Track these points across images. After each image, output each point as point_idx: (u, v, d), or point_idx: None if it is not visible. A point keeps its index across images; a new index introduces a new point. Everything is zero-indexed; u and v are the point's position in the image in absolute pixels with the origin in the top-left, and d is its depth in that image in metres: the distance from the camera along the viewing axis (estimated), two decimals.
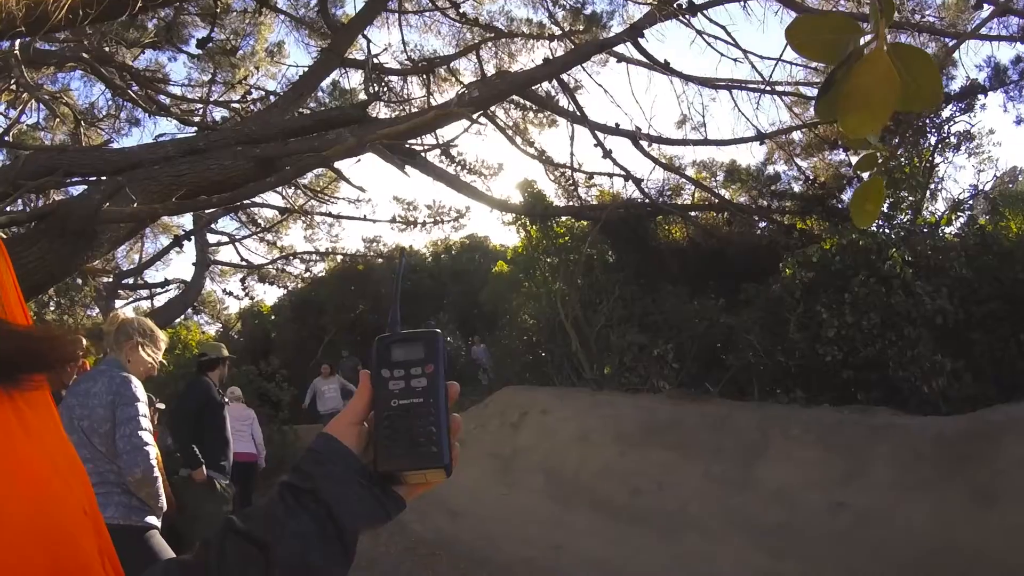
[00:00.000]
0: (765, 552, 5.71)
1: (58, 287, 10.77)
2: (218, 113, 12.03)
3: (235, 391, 8.62)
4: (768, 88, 12.48)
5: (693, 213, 13.24)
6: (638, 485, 7.58)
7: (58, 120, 10.72)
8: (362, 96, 10.93)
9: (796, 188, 13.50)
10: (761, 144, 13.01)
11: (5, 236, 4.48)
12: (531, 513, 7.73)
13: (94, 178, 5.69)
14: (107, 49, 9.79)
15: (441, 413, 0.74)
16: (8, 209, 4.94)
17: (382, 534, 7.34)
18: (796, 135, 13.42)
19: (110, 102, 11.47)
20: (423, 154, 10.60)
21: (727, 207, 12.94)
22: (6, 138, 9.62)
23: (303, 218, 17.72)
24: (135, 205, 4.21)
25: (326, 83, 11.92)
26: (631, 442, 8.41)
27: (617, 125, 11.72)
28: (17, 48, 6.67)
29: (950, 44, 11.60)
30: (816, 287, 9.03)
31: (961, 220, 10.96)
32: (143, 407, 3.07)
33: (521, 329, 12.95)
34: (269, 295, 21.56)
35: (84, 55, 8.66)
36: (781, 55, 11.59)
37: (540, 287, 12.29)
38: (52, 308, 11.21)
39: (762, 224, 13.17)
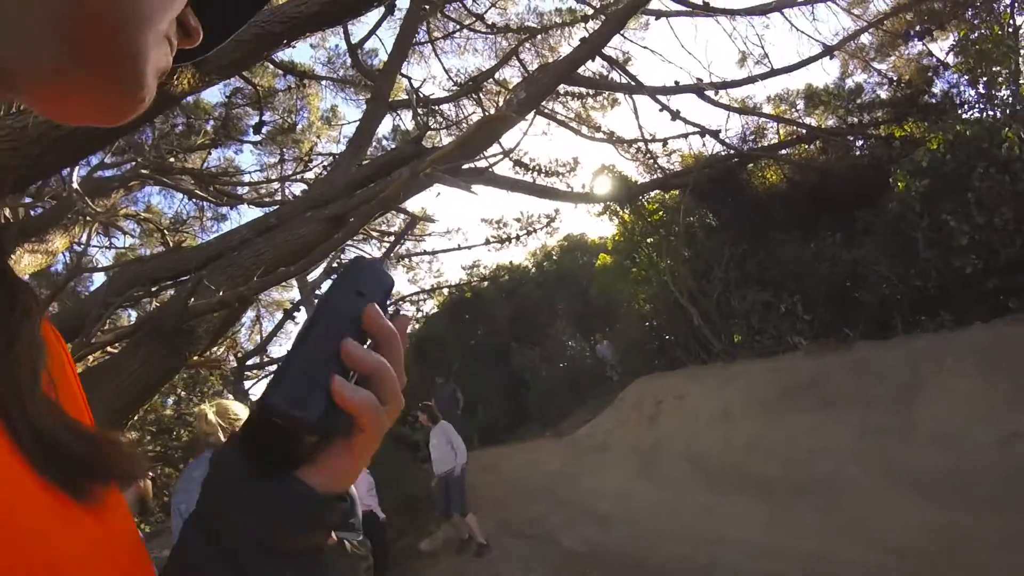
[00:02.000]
0: (935, 504, 5.40)
1: (185, 382, 11.72)
2: (296, 188, 12.64)
3: None
4: None
5: (783, 151, 12.70)
6: (789, 455, 7.39)
7: (148, 234, 11.70)
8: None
9: (882, 94, 12.75)
10: (831, 58, 12.49)
11: (114, 351, 4.90)
12: (682, 506, 7.56)
13: (181, 279, 6.13)
14: (171, 160, 10.56)
15: (301, 341, 0.50)
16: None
17: (531, 553, 7.51)
18: (864, 38, 12.67)
19: (189, 205, 12.37)
20: (490, 169, 10.74)
21: (817, 135, 12.42)
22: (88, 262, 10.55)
23: (403, 262, 18.31)
24: (220, 293, 4.52)
25: (385, 130, 12.31)
26: (775, 410, 8.26)
27: (677, 83, 11.44)
28: (76, 182, 7.28)
29: None
30: (934, 195, 8.59)
31: None
32: None
33: (638, 317, 12.83)
34: None
35: (143, 171, 9.37)
36: None
37: (647, 269, 12.14)
38: (183, 402, 12.18)
39: (858, 143, 12.41)
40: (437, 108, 12.47)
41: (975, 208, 8.01)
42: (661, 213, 12.40)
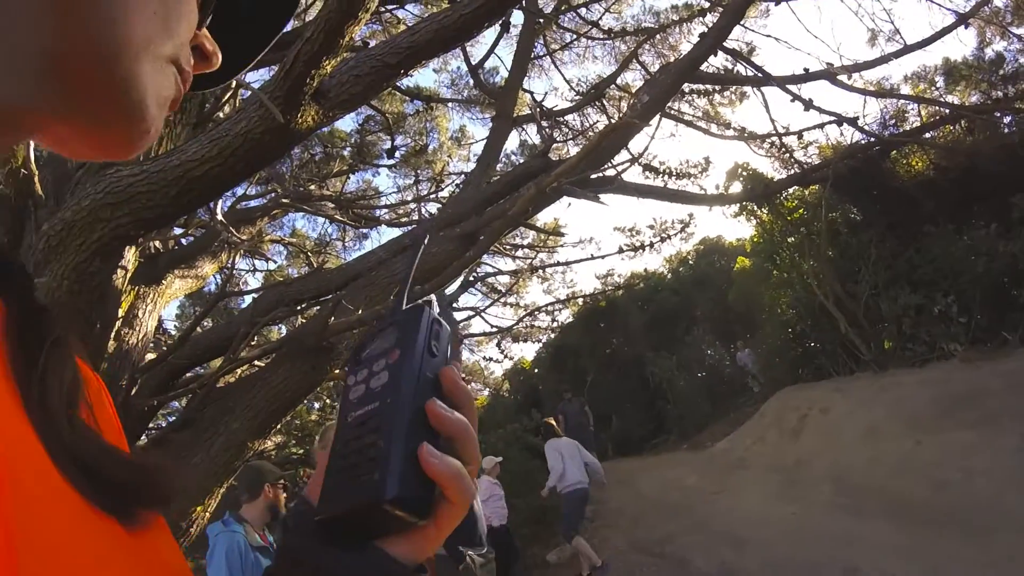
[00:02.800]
0: None
1: (330, 391, 12.43)
2: (432, 207, 13.25)
3: (489, 461, 8.25)
4: None
5: (927, 135, 11.64)
6: (941, 477, 6.94)
7: (293, 256, 12.53)
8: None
9: None
10: (967, 28, 11.38)
11: (262, 365, 5.28)
12: (822, 530, 7.17)
13: (323, 298, 6.49)
14: (311, 187, 11.26)
15: (397, 415, 0.48)
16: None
17: (659, 574, 7.34)
18: (999, 0, 11.32)
19: (331, 228, 13.15)
20: (619, 176, 10.64)
21: (961, 114, 11.42)
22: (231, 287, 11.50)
23: (537, 274, 18.55)
24: (359, 312, 4.76)
25: (513, 146, 12.54)
26: (927, 426, 7.82)
27: (806, 70, 10.82)
28: (220, 214, 7.90)
29: None
30: None
31: None
32: None
33: (781, 322, 12.24)
34: (527, 351, 22.81)
35: (284, 201, 10.03)
36: None
37: (789, 271, 11.53)
38: (327, 409, 12.94)
39: (1006, 119, 11.17)
40: (561, 120, 12.58)
41: None
42: (802, 211, 11.86)
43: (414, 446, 0.47)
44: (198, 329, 5.91)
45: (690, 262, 21.15)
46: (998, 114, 11.52)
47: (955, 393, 7.78)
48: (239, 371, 5.52)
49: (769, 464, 9.67)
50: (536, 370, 22.21)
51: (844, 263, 11.18)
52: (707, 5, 11.62)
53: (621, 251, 16.39)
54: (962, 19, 11.31)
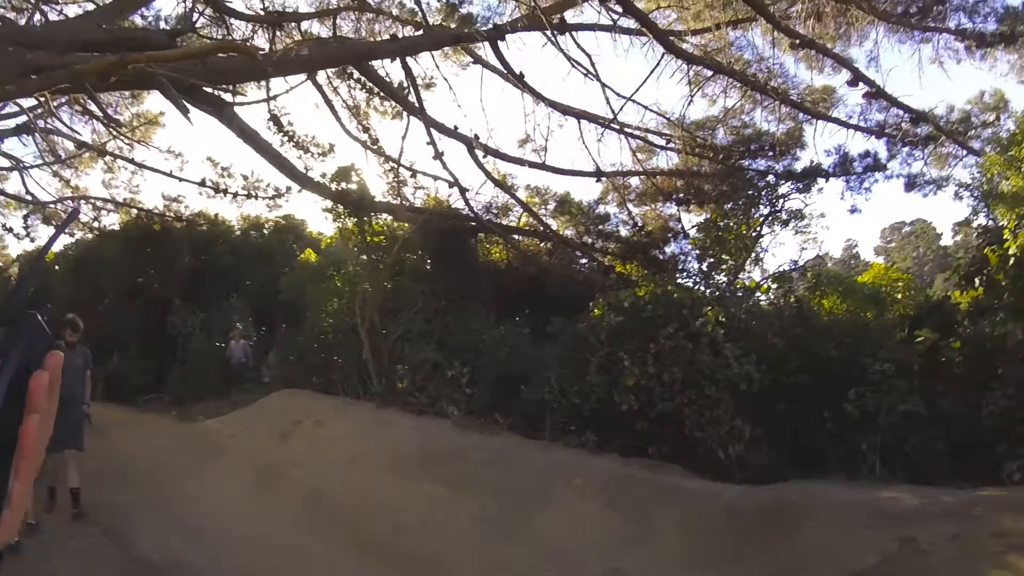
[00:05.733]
0: None
1: None
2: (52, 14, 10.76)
3: None
4: (618, 127, 12.71)
5: (516, 236, 13.28)
6: (404, 521, 7.29)
7: None
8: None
9: (623, 232, 14.05)
10: (598, 181, 13.64)
11: None
12: (281, 541, 7.17)
13: None
14: None
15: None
16: None
17: (91, 551, 6.62)
18: (634, 180, 13.86)
19: None
20: (234, 106, 9.74)
21: (552, 237, 13.25)
22: None
23: (105, 160, 16.00)
24: None
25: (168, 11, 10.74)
26: (405, 471, 8.24)
27: (456, 128, 11.47)
28: None
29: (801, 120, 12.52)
30: (623, 333, 9.38)
31: (778, 291, 11.49)
32: None
33: (318, 328, 12.26)
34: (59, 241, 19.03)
35: None
36: (634, 93, 11.98)
37: (345, 285, 11.72)
38: None
39: (583, 260, 13.41)
40: (229, 20, 11.21)
41: (652, 359, 8.84)
42: (383, 238, 12.09)
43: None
44: None
45: (264, 231, 20.38)
46: (578, 253, 13.65)
47: (439, 449, 8.40)
48: None
49: (251, 459, 9.46)
50: (57, 267, 18.73)
51: (394, 301, 11.67)
52: (420, 21, 11.73)
53: (203, 184, 15.14)
54: (599, 174, 13.14)
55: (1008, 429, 7.52)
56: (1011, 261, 8.07)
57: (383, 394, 10.56)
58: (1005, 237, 8.16)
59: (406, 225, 12.30)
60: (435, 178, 12.55)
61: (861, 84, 11.65)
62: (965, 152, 12.63)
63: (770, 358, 9.01)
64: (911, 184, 13.34)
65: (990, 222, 9.49)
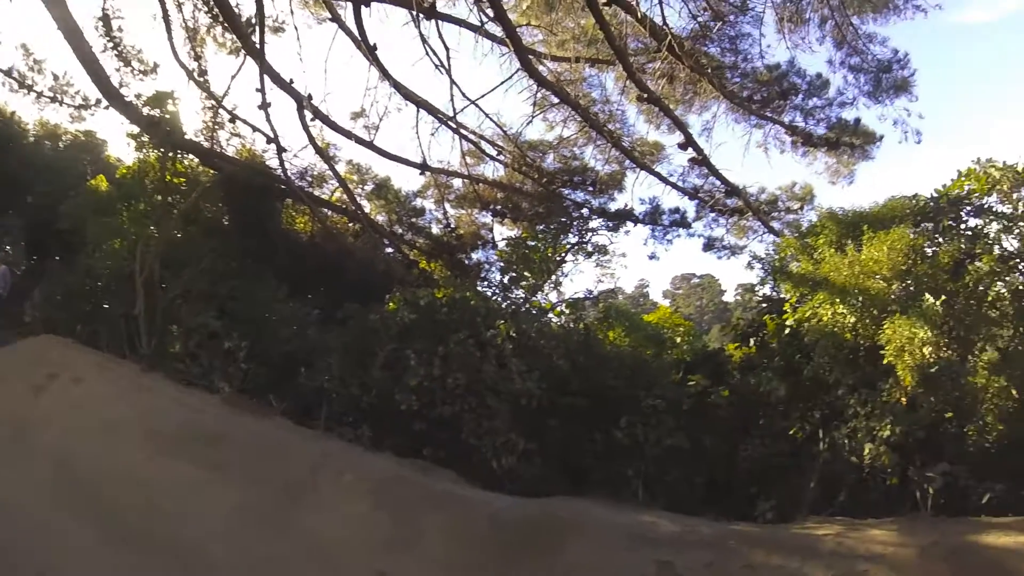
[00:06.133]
0: None
1: None
2: None
3: None
4: (455, 126, 12.53)
5: (326, 211, 12.62)
6: (161, 505, 6.64)
7: None
8: None
9: (435, 229, 13.92)
10: (422, 174, 13.36)
11: None
12: (29, 514, 6.44)
13: None
14: None
15: None
16: None
17: None
18: (457, 182, 13.80)
19: None
20: None
21: (363, 219, 12.81)
22: None
23: None
24: None
25: None
26: (166, 447, 7.46)
27: (291, 81, 10.71)
28: None
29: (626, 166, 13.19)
30: (414, 331, 9.23)
31: (570, 316, 11.85)
32: None
33: (92, 268, 10.68)
34: None
35: None
36: (480, 98, 11.92)
37: (132, 225, 10.34)
38: None
39: (389, 249, 13.08)
40: None
41: (439, 361, 8.76)
42: (183, 181, 10.91)
43: None
44: None
45: (61, 144, 17.81)
46: (386, 240, 13.28)
47: (204, 427, 7.73)
48: None
49: None
50: None
51: (182, 254, 10.60)
52: None
53: (9, 74, 13.33)
54: (425, 167, 12.95)
55: (762, 473, 8.34)
56: (786, 331, 8.91)
57: (151, 357, 9.49)
58: (785, 309, 8.98)
59: (212, 172, 11.27)
60: (255, 129, 11.68)
61: (690, 149, 12.57)
62: (765, 230, 14.02)
63: (552, 378, 9.32)
64: (710, 245, 14.82)
65: (774, 293, 10.44)
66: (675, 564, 5.94)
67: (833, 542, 6.22)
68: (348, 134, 12.36)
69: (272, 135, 11.49)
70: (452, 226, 14.04)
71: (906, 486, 7.10)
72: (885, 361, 7.34)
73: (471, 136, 13.11)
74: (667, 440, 8.58)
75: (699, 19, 11.33)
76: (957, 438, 7.33)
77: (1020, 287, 7.60)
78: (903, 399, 7.36)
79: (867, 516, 6.92)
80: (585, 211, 14.04)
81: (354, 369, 9.08)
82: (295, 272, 11.24)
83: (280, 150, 11.60)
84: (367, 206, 13.95)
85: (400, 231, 13.84)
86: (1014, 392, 7.16)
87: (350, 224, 13.18)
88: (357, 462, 7.48)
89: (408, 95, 12.15)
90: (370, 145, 12.56)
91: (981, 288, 7.50)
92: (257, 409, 8.50)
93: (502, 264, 12.59)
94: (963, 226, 8.33)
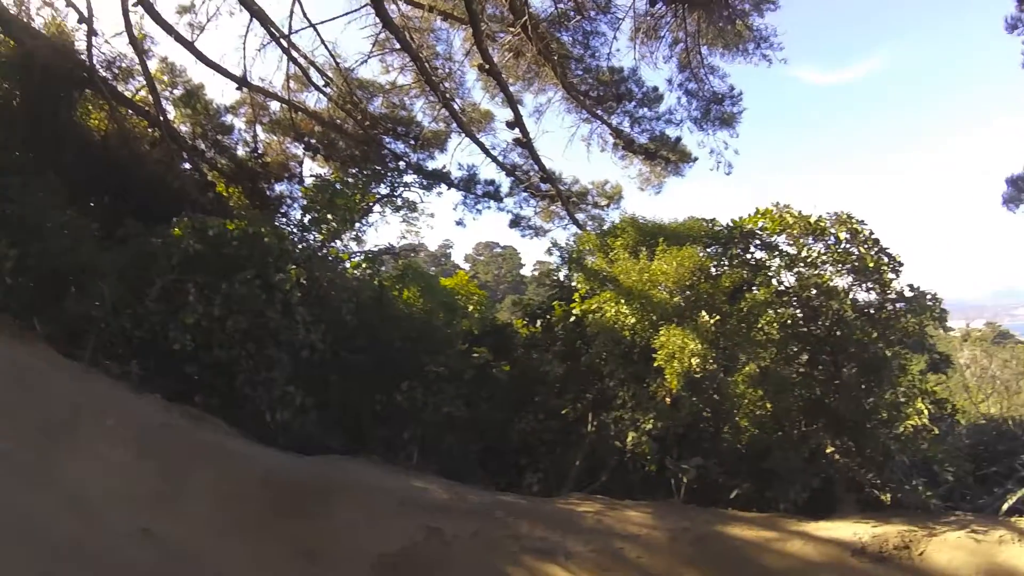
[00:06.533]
0: None
1: None
2: None
3: None
4: (286, 45, 11.78)
5: (128, 111, 11.36)
6: None
7: None
8: None
9: (241, 151, 13.03)
10: (239, 89, 12.31)
11: None
12: None
13: None
14: None
15: None
16: None
17: None
18: (275, 105, 13.04)
19: None
20: None
21: (165, 126, 11.55)
22: None
23: None
24: None
25: None
26: None
27: None
28: None
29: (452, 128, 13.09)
30: (198, 263, 8.58)
31: (365, 271, 11.67)
32: None
33: None
34: None
35: None
36: (320, 23, 11.38)
37: None
38: None
39: (186, 165, 12.11)
40: None
41: (221, 300, 8.27)
42: None
43: None
44: None
45: None
46: (185, 154, 12.37)
47: None
48: None
49: None
50: None
51: None
52: None
53: None
54: (243, 83, 12.31)
55: (533, 446, 8.95)
56: (572, 318, 9.48)
57: None
58: (574, 298, 9.52)
59: (11, 44, 9.92)
60: (68, 3, 10.18)
61: (517, 130, 12.81)
62: (570, 220, 14.90)
63: (339, 332, 9.18)
64: (516, 223, 15.52)
65: (567, 281, 10.97)
66: (444, 531, 6.27)
67: (593, 519, 6.89)
68: (170, 29, 11.19)
69: (87, 14, 10.18)
70: (260, 151, 13.28)
71: (663, 473, 7.97)
72: (656, 364, 8.02)
73: (301, 60, 12.38)
74: (445, 408, 8.85)
75: (560, 5, 11.49)
76: (713, 436, 8.27)
77: (788, 320, 8.52)
78: (667, 399, 8.18)
79: (625, 497, 7.76)
80: (402, 164, 14.01)
81: (128, 298, 8.26)
82: (80, 175, 10.06)
83: (92, 33, 10.33)
84: (172, 112, 12.83)
85: (203, 147, 12.84)
86: (768, 405, 8.08)
87: (149, 130, 11.96)
88: (123, 405, 6.95)
89: (247, 2, 11.21)
90: (190, 46, 11.49)
91: (754, 314, 8.29)
92: (16, 333, 7.52)
93: (305, 202, 12.20)
94: (749, 256, 9.27)
